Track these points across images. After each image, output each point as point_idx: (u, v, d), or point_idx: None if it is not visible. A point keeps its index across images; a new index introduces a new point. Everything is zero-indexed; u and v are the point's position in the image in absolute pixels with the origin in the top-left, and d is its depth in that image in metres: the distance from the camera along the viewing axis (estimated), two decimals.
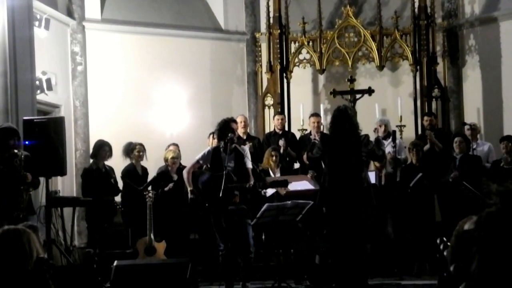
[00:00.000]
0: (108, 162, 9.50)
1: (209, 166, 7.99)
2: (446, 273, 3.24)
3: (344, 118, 7.43)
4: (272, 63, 12.21)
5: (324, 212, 7.89)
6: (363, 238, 7.43)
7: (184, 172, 8.07)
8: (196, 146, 10.32)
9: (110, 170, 9.48)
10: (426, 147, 10.06)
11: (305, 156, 9.88)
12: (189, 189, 7.94)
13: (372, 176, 8.84)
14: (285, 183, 7.91)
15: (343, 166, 7.36)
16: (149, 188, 9.12)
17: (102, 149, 9.29)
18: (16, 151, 7.28)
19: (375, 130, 9.79)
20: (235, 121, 8.15)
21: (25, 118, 8.39)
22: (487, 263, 2.71)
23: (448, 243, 3.48)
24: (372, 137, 8.24)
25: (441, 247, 3.68)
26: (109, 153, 9.33)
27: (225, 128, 7.90)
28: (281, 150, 10.13)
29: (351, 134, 7.42)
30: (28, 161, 7.39)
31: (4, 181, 7.21)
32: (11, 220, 6.52)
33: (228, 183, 7.54)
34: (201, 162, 8.03)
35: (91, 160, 9.64)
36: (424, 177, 9.36)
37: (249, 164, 7.96)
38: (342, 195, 7.34)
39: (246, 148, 8.29)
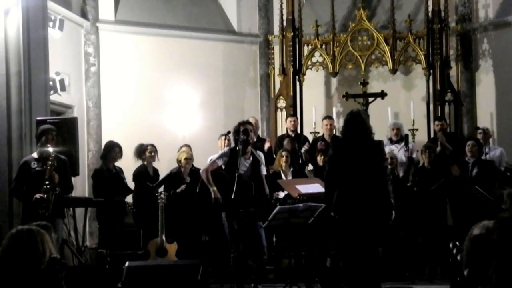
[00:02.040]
0: (120, 163, 9.51)
1: (223, 167, 7.99)
2: (460, 277, 3.23)
3: (357, 121, 7.39)
4: (285, 66, 12.22)
5: (334, 217, 7.83)
6: (375, 241, 7.39)
7: (203, 173, 8.02)
8: (208, 148, 10.34)
9: (120, 171, 9.49)
10: (438, 149, 10.05)
11: (318, 158, 9.91)
12: (212, 189, 7.88)
13: None
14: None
15: (355, 170, 7.31)
16: (161, 188, 9.12)
17: (113, 150, 9.29)
18: (51, 150, 7.53)
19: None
20: (250, 123, 8.14)
21: (38, 118, 8.42)
22: (505, 268, 2.70)
23: (461, 248, 3.47)
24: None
25: (454, 251, 3.66)
26: (119, 154, 9.33)
27: (238, 131, 7.92)
28: (303, 150, 10.26)
29: (364, 137, 7.38)
30: (64, 165, 7.73)
31: (37, 180, 7.47)
32: (36, 217, 6.62)
33: (246, 190, 7.56)
34: (219, 162, 7.99)
35: (101, 161, 9.63)
36: (446, 183, 9.33)
37: (264, 171, 7.97)
38: (354, 198, 7.30)
39: (262, 155, 8.28)
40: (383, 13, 12.66)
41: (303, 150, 10.47)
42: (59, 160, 7.67)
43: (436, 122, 10.92)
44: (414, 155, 10.17)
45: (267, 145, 10.30)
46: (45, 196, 7.42)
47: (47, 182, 7.43)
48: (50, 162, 7.47)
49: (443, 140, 10.18)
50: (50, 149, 7.58)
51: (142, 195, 9.50)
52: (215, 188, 7.82)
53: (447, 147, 10.16)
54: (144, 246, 9.10)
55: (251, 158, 7.86)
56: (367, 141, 7.34)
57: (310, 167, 10.55)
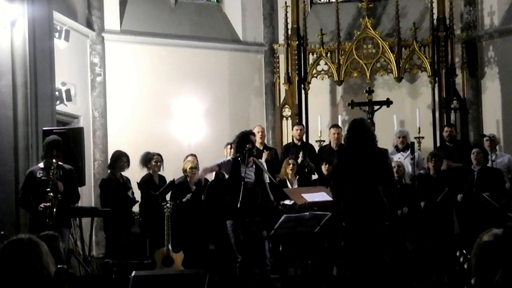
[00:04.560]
0: (126, 172, 9.51)
1: (226, 176, 8.01)
2: (467, 285, 3.22)
3: (361, 128, 7.39)
4: (290, 74, 12.24)
5: (343, 225, 7.82)
6: (380, 247, 7.36)
7: (203, 172, 8.13)
8: (214, 157, 10.32)
9: (127, 181, 9.49)
10: (443, 167, 10.00)
11: (323, 167, 9.90)
12: (199, 175, 8.08)
13: None
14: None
15: (361, 177, 7.30)
16: (167, 197, 9.11)
17: (120, 159, 9.28)
18: (55, 161, 7.51)
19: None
20: (253, 134, 8.17)
21: (44, 128, 8.43)
22: (510, 277, 2.69)
23: (468, 256, 3.46)
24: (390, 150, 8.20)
25: (461, 259, 3.65)
26: (127, 164, 9.33)
27: (243, 140, 7.93)
28: (299, 161, 10.15)
29: (368, 143, 7.37)
30: (69, 174, 7.71)
31: (43, 190, 7.47)
32: (43, 227, 6.62)
33: (252, 197, 7.56)
34: (220, 167, 8.04)
35: (108, 171, 9.64)
36: (451, 191, 9.30)
37: (267, 179, 7.98)
38: (360, 206, 7.29)
39: (264, 163, 8.30)
40: (388, 21, 12.67)
41: (299, 160, 10.37)
42: (64, 169, 7.67)
43: (445, 129, 10.89)
44: (420, 164, 10.16)
45: (264, 157, 10.14)
46: (49, 204, 7.42)
47: (48, 189, 7.43)
48: (52, 171, 7.47)
49: (451, 165, 10.16)
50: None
51: (148, 204, 9.50)
52: (203, 174, 8.07)
53: (457, 166, 10.13)
54: (150, 256, 9.09)
55: (254, 166, 7.88)
56: (371, 148, 7.33)
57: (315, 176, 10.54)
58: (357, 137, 7.32)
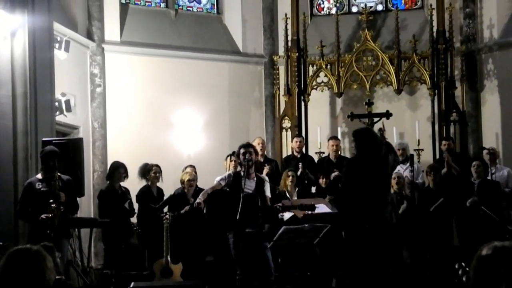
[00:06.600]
0: (125, 184, 9.50)
1: (228, 189, 7.98)
2: None
3: (373, 136, 7.40)
4: (289, 86, 12.25)
5: (343, 236, 7.82)
6: (385, 261, 7.35)
7: (204, 194, 8.02)
8: (213, 168, 10.34)
9: (126, 192, 9.48)
10: (444, 170, 9.98)
11: (320, 180, 9.89)
12: (198, 199, 7.85)
13: None
14: (312, 208, 7.91)
15: (371, 188, 7.29)
16: (165, 209, 9.10)
17: (118, 170, 9.27)
18: (58, 173, 7.51)
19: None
20: (251, 146, 8.14)
21: (44, 139, 8.42)
22: None
23: (467, 268, 3.45)
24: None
25: (460, 272, 3.64)
26: (125, 175, 9.32)
27: (239, 154, 7.92)
28: (299, 173, 10.11)
29: (380, 151, 7.38)
30: (68, 185, 7.69)
31: (43, 201, 7.44)
32: (42, 238, 6.60)
33: (252, 204, 7.54)
34: (222, 183, 8.00)
35: (107, 182, 9.62)
36: (446, 203, 9.28)
37: (268, 193, 7.96)
38: (368, 218, 7.27)
39: (267, 178, 8.28)
40: (388, 33, 12.70)
41: (299, 173, 10.31)
42: (63, 180, 7.66)
43: (443, 142, 10.88)
44: (419, 177, 10.14)
45: (265, 171, 9.96)
46: (50, 215, 7.39)
47: (51, 201, 7.41)
48: (53, 182, 7.47)
49: (449, 160, 10.12)
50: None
51: (146, 215, 9.49)
52: (201, 199, 7.78)
53: (455, 168, 10.11)
54: (149, 267, 9.07)
55: (255, 179, 7.87)
56: (382, 156, 7.33)
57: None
58: (371, 145, 7.32)
